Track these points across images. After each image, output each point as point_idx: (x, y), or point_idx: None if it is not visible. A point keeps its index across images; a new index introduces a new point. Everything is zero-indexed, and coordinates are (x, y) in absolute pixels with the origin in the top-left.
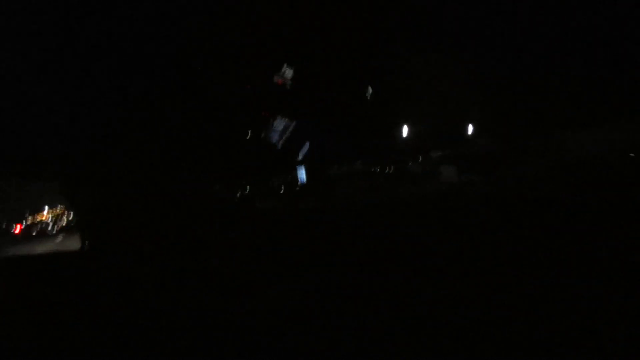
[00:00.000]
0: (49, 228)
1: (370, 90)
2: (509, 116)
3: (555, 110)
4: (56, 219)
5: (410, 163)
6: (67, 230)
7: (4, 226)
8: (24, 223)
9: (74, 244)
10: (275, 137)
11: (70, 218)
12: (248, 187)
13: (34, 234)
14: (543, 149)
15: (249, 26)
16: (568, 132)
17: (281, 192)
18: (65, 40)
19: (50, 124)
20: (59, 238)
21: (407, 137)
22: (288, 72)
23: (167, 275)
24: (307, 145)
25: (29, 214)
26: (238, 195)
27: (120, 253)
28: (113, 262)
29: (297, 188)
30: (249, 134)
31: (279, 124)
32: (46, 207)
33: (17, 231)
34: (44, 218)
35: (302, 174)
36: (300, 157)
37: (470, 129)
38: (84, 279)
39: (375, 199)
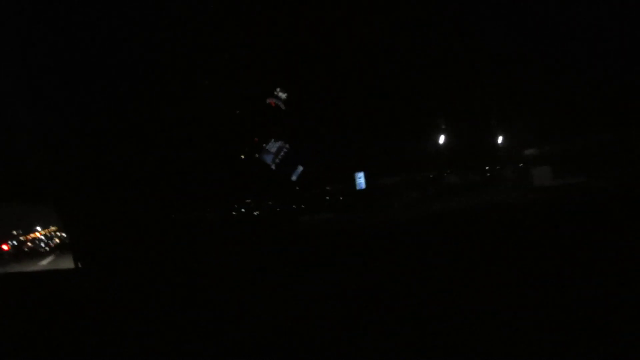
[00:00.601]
0: (42, 244)
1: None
2: (606, 108)
3: None
4: (49, 237)
5: (507, 168)
6: (60, 248)
7: None
8: (14, 241)
9: (66, 262)
10: (269, 158)
11: (64, 236)
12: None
13: (26, 249)
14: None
15: (241, 46)
16: None
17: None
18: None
19: (40, 143)
20: (51, 257)
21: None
22: (282, 94)
23: (167, 293)
24: (300, 168)
25: (20, 234)
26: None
27: (114, 271)
28: (107, 280)
29: (342, 198)
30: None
31: (273, 145)
32: (38, 228)
33: (4, 248)
34: (35, 235)
35: (361, 181)
36: (294, 178)
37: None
38: (76, 297)
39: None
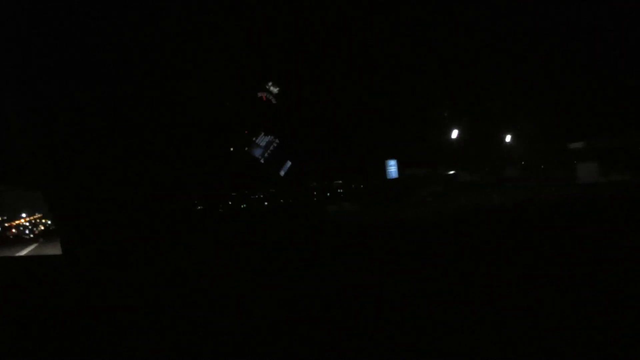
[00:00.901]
0: (26, 231)
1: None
2: None
3: None
4: (34, 223)
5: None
6: (44, 235)
7: None
8: None
9: (49, 250)
10: (259, 152)
11: (49, 223)
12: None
13: (10, 236)
14: None
15: (234, 41)
16: None
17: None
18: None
19: (28, 129)
20: (35, 245)
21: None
22: (273, 88)
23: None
24: (288, 163)
25: (5, 220)
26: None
27: (102, 260)
28: (95, 269)
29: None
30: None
31: (262, 139)
32: (24, 214)
33: None
34: (20, 222)
35: (392, 170)
36: (282, 173)
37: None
38: (62, 284)
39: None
